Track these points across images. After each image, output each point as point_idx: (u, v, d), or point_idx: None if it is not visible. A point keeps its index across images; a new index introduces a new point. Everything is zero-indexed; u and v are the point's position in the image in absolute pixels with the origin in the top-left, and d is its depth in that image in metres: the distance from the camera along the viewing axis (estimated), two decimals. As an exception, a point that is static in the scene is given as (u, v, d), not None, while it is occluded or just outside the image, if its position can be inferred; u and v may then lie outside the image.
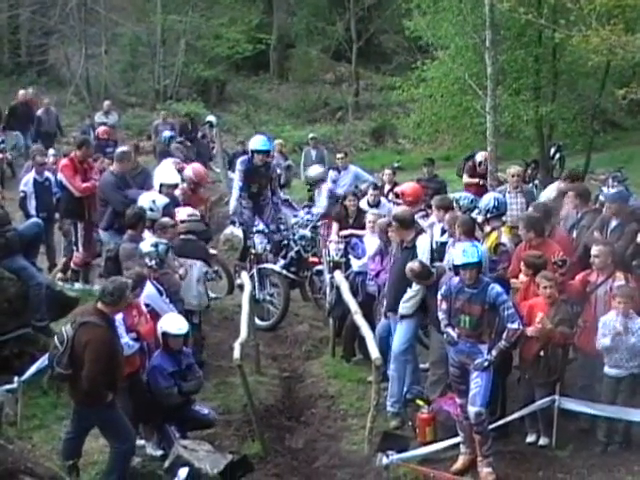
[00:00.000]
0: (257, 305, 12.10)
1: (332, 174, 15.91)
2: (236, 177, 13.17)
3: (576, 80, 20.12)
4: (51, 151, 16.29)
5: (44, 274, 11.24)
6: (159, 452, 8.65)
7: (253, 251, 12.63)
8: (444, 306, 8.44)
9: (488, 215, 9.86)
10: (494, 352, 8.16)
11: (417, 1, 20.89)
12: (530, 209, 10.53)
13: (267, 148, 13.18)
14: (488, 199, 10.09)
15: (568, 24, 14.31)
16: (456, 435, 8.56)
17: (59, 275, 12.79)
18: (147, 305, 8.98)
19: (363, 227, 11.85)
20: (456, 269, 8.32)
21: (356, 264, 11.15)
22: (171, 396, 8.56)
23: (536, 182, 18.25)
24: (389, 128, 29.53)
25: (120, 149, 13.59)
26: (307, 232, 13.14)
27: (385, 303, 9.73)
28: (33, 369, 9.11)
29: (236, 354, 8.93)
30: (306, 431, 9.80)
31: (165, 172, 12.59)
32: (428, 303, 9.20)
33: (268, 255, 12.79)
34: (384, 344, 9.55)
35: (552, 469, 8.34)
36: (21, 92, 22.06)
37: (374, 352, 8.82)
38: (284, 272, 12.57)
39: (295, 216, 14.00)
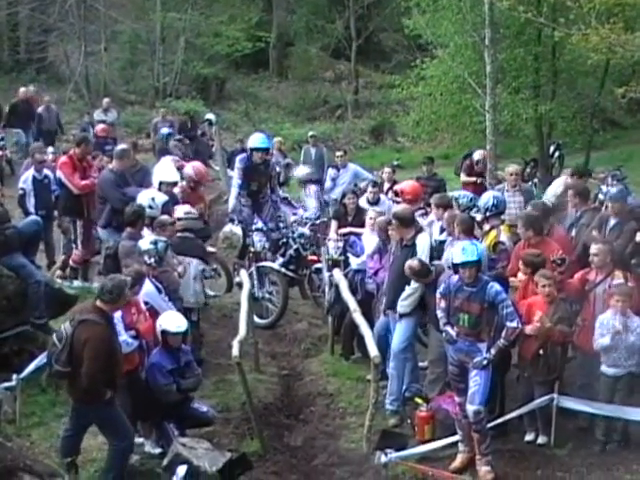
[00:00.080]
0: (256, 303, 12.09)
1: (331, 172, 15.93)
2: (235, 175, 13.16)
3: (575, 79, 20.14)
4: (50, 149, 16.28)
5: (43, 272, 11.22)
6: (158, 450, 8.64)
7: (252, 249, 12.64)
8: (443, 304, 8.44)
9: (487, 213, 9.86)
10: (493, 351, 8.16)
11: (416, -1, 20.92)
12: (528, 208, 10.53)
13: (266, 146, 13.17)
14: (487, 197, 10.09)
15: (567, 22, 14.29)
16: (455, 433, 8.56)
17: (58, 273, 12.78)
18: (146, 303, 8.97)
19: (362, 225, 11.86)
20: (455, 267, 8.32)
21: (355, 262, 11.15)
22: (170, 393, 8.56)
23: (535, 180, 18.28)
24: (388, 126, 29.53)
25: (120, 147, 13.58)
26: (306, 230, 13.14)
27: (384, 301, 9.73)
28: (32, 367, 9.11)
29: (235, 352, 8.92)
30: (305, 429, 9.80)
31: (164, 170, 12.58)
32: (427, 301, 9.20)
33: (267, 253, 12.79)
34: (383, 342, 9.55)
35: (551, 468, 8.33)
36: (22, 90, 22.03)
37: (373, 350, 8.81)
38: (283, 270, 12.57)
39: (294, 214, 14.00)
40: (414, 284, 9.26)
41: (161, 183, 11.98)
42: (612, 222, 9.78)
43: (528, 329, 8.50)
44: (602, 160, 21.69)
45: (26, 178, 13.40)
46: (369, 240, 10.91)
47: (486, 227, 9.81)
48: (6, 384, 8.99)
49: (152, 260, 9.42)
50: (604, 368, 8.56)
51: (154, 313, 8.94)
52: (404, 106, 25.83)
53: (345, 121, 30.79)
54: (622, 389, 8.52)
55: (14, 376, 8.98)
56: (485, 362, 8.15)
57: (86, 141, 12.90)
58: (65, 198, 12.54)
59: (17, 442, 8.41)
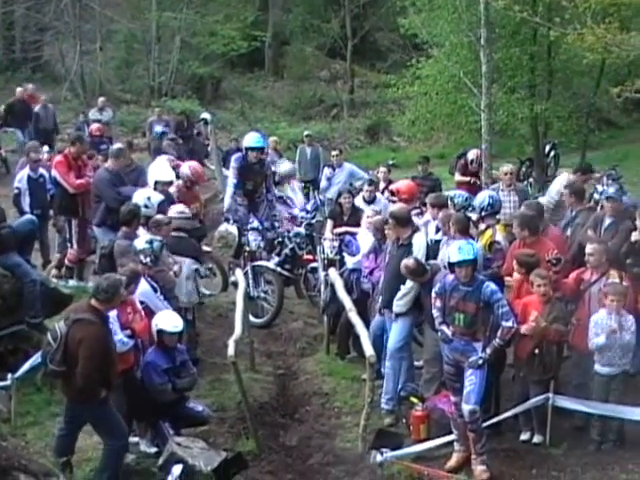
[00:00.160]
0: (251, 302, 12.09)
1: (327, 171, 15.94)
2: (230, 174, 13.17)
3: (571, 78, 20.13)
4: (45, 148, 16.25)
5: (38, 271, 11.22)
6: (153, 449, 8.64)
7: (247, 248, 12.63)
8: (438, 304, 8.43)
9: (483, 213, 9.88)
10: (488, 350, 8.17)
11: (412, -1, 20.92)
12: (523, 207, 10.54)
13: (261, 145, 13.17)
14: (483, 197, 10.11)
15: (563, 22, 14.28)
16: (450, 433, 8.57)
17: (53, 272, 12.77)
18: (141, 302, 8.97)
19: (358, 224, 11.86)
20: (451, 267, 8.31)
21: (350, 261, 11.15)
22: (165, 393, 8.55)
23: (530, 180, 18.29)
24: (384, 126, 29.51)
25: (115, 146, 13.58)
26: (302, 229, 13.14)
27: (380, 300, 9.73)
28: (27, 366, 9.11)
29: (230, 351, 8.92)
30: (300, 428, 9.80)
31: (160, 169, 12.58)
32: (422, 301, 9.20)
33: (262, 252, 12.79)
34: (378, 342, 9.56)
35: (546, 467, 8.34)
36: (19, 89, 22.01)
37: (368, 350, 8.82)
38: (278, 269, 12.57)
39: (290, 213, 14.00)
40: (410, 283, 9.26)
41: (156, 182, 11.96)
42: (607, 222, 9.80)
43: (523, 329, 8.51)
44: (597, 160, 21.64)
45: (21, 177, 13.37)
46: (365, 239, 10.91)
47: (482, 226, 9.83)
48: (1, 383, 8.99)
49: (148, 259, 9.42)
50: (598, 367, 8.56)
51: (150, 313, 8.93)
52: (400, 105, 25.79)
53: (341, 120, 30.77)
54: (617, 388, 8.53)
55: (9, 375, 8.97)
56: (480, 361, 8.16)
57: (81, 140, 12.89)
58: (60, 197, 12.52)
59: (12, 441, 8.39)
